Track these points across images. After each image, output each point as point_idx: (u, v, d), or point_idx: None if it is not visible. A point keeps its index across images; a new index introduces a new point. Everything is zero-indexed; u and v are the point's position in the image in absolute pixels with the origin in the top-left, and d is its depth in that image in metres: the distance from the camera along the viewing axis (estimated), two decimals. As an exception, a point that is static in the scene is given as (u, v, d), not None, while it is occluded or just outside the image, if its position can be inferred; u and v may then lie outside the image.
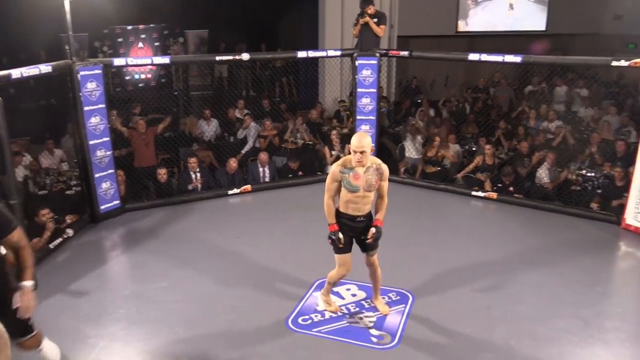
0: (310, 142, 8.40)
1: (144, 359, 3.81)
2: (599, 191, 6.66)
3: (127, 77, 10.49)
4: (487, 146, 7.47)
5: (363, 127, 7.37)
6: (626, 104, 9.36)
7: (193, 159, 7.08)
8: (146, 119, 7.61)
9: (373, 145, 3.76)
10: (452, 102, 10.12)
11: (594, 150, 7.31)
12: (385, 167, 3.91)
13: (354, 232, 4.01)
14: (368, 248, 4.05)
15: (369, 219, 4.01)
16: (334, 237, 3.95)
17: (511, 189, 6.90)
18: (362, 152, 3.74)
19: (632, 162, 5.92)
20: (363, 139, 3.78)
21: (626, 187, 6.01)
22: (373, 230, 3.96)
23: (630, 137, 7.70)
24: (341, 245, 3.95)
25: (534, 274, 4.96)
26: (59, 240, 5.54)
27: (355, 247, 4.07)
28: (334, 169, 3.90)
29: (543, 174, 7.06)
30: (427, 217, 6.41)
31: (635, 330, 4.13)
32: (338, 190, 3.92)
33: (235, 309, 4.38)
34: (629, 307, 4.55)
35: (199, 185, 7.04)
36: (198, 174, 7.04)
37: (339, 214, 3.98)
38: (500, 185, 6.99)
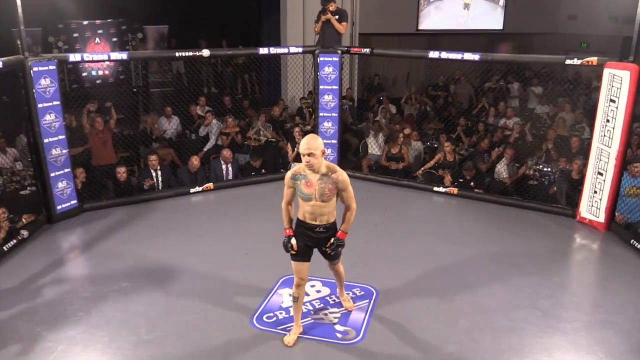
0: (273, 140, 8.36)
1: (104, 362, 3.72)
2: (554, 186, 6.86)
3: (84, 74, 10.18)
4: (447, 143, 7.59)
5: (325, 124, 7.39)
6: (579, 101, 9.68)
7: (153, 157, 6.94)
8: (105, 118, 7.40)
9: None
10: (413, 100, 10.24)
11: (550, 146, 7.52)
12: (342, 177, 3.67)
13: (313, 242, 3.84)
14: (330, 258, 3.95)
15: (331, 229, 3.82)
16: (285, 241, 3.82)
17: (472, 184, 7.04)
18: (309, 155, 3.54)
19: (586, 158, 6.13)
20: (311, 140, 3.57)
21: (581, 181, 6.21)
22: (332, 240, 3.82)
23: (584, 134, 7.96)
24: (293, 252, 3.82)
25: (494, 266, 5.07)
26: (14, 241, 5.35)
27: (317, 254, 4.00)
28: (286, 175, 3.78)
29: (502, 170, 7.23)
30: (390, 212, 6.46)
31: (589, 319, 4.27)
32: (294, 196, 3.80)
33: (198, 309, 4.32)
34: (583, 297, 4.71)
35: (160, 184, 6.91)
36: (159, 172, 6.91)
37: (298, 222, 3.84)
38: (461, 180, 7.13)
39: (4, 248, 5.21)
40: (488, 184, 7.14)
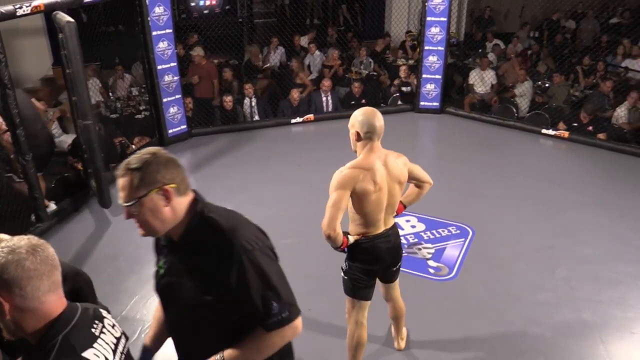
0: (374, 73, 8.22)
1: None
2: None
3: (192, 4, 10.47)
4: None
5: (430, 58, 7.11)
6: None
7: (248, 85, 7.09)
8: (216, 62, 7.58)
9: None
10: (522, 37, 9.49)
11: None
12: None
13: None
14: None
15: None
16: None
17: (590, 128, 6.54)
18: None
19: None
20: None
21: None
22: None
23: None
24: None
25: (602, 216, 4.78)
26: (131, 161, 5.81)
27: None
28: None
29: (621, 114, 6.64)
30: (493, 153, 6.23)
31: None
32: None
33: (297, 234, 4.49)
34: (703, 256, 4.35)
35: (256, 112, 7.07)
36: (254, 101, 7.08)
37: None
38: (575, 124, 6.65)
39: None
40: (604, 129, 6.61)
